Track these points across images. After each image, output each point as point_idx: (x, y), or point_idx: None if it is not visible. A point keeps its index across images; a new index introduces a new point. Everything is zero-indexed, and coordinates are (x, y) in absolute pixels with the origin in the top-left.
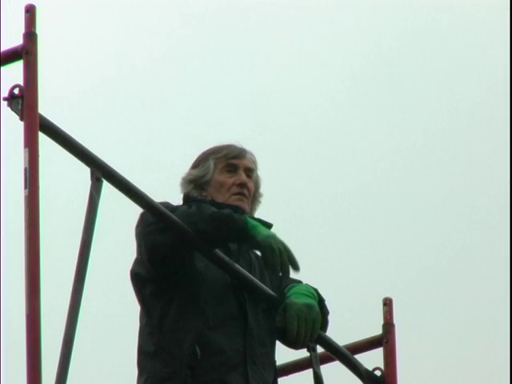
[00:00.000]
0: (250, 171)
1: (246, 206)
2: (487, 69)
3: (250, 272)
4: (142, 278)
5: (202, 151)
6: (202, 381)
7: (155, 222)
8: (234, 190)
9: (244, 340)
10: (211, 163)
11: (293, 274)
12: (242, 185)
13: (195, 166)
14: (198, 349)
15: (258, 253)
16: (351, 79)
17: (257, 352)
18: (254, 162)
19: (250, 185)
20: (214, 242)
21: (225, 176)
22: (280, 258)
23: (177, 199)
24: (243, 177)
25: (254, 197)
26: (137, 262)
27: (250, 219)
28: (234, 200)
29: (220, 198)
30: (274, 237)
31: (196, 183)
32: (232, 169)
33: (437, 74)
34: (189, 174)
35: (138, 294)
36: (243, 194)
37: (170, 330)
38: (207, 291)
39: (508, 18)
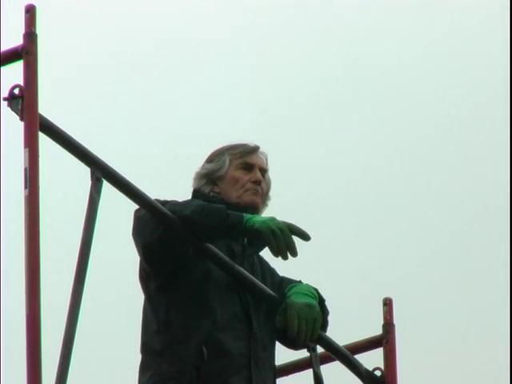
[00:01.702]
0: (264, 171)
1: (259, 200)
2: (487, 69)
3: (252, 274)
4: (148, 273)
5: (218, 147)
6: (207, 383)
7: (145, 224)
8: (249, 186)
9: (248, 343)
10: (227, 158)
11: (302, 243)
12: (257, 182)
13: (210, 160)
14: (204, 349)
15: (262, 253)
16: (347, 77)
17: (260, 356)
18: (267, 163)
19: (264, 184)
20: (201, 232)
21: (240, 172)
22: (283, 238)
23: (177, 199)
24: (259, 175)
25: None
26: None
27: (246, 214)
28: (247, 195)
29: (233, 194)
30: (272, 220)
31: (209, 178)
32: (247, 167)
33: (436, 74)
34: (203, 167)
35: (145, 289)
36: (257, 190)
37: (177, 329)
38: (214, 291)
39: (508, 18)
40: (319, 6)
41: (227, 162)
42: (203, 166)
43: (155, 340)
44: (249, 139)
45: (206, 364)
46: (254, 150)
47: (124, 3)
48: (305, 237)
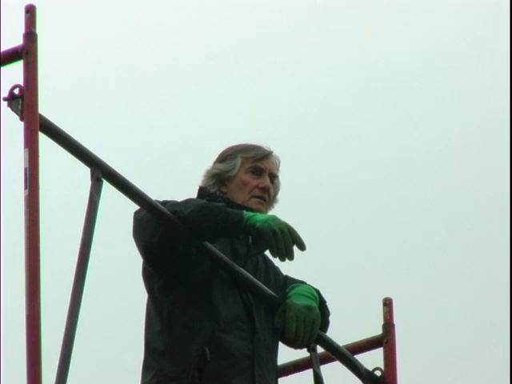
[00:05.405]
0: (274, 177)
1: (264, 210)
2: (488, 70)
3: (255, 274)
4: (151, 272)
5: (230, 146)
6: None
7: (146, 226)
8: (256, 192)
9: (252, 344)
10: (238, 161)
11: (299, 253)
12: (265, 189)
13: (221, 160)
14: (207, 350)
15: (267, 253)
16: (357, 83)
17: (263, 356)
18: (278, 168)
19: (272, 190)
20: (201, 231)
21: (249, 176)
22: (283, 240)
23: (177, 199)
24: (267, 181)
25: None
26: None
27: (247, 211)
28: (253, 203)
29: (240, 197)
30: (274, 219)
31: (219, 178)
32: (257, 171)
33: (436, 76)
34: (214, 167)
35: (148, 289)
36: (263, 199)
37: (180, 329)
38: (218, 291)
39: (508, 19)
40: (324, 7)
41: (238, 165)
42: (214, 165)
43: (158, 340)
44: (256, 139)
45: (209, 365)
46: (267, 155)
47: (124, 3)
48: (301, 246)
